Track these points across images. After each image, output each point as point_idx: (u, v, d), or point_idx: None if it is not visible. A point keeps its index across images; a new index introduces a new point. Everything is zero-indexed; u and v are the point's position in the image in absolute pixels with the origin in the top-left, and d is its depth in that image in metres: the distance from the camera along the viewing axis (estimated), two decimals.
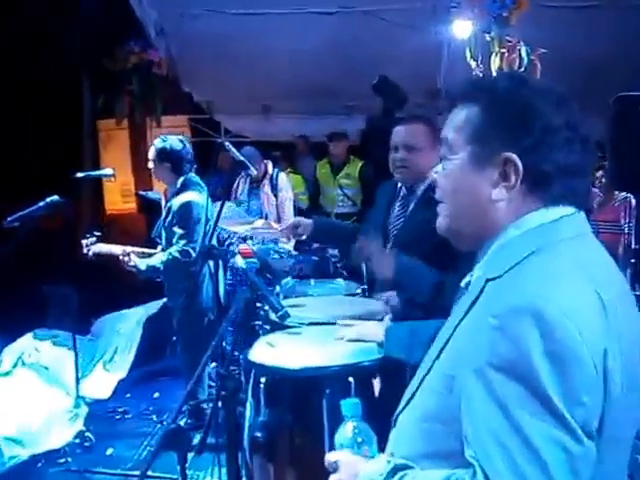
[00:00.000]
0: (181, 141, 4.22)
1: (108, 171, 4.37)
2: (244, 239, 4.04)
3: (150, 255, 4.11)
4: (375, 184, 3.45)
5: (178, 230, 4.06)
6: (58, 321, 5.52)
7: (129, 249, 4.04)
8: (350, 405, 1.38)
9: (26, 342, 5.18)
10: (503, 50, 4.21)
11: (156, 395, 5.15)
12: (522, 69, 4.09)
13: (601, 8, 6.37)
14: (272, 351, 2.28)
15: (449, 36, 6.22)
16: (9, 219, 3.53)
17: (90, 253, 4.10)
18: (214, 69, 7.74)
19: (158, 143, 4.19)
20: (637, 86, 3.47)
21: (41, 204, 3.71)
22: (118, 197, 8.23)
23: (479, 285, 1.26)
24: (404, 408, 1.38)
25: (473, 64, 4.54)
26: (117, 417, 4.86)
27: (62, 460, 4.10)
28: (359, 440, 1.35)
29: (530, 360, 1.10)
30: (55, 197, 3.74)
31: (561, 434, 1.09)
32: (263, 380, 2.15)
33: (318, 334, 2.47)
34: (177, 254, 4.02)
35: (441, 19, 6.35)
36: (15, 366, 4.92)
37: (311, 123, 8.60)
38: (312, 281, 3.66)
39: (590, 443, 1.12)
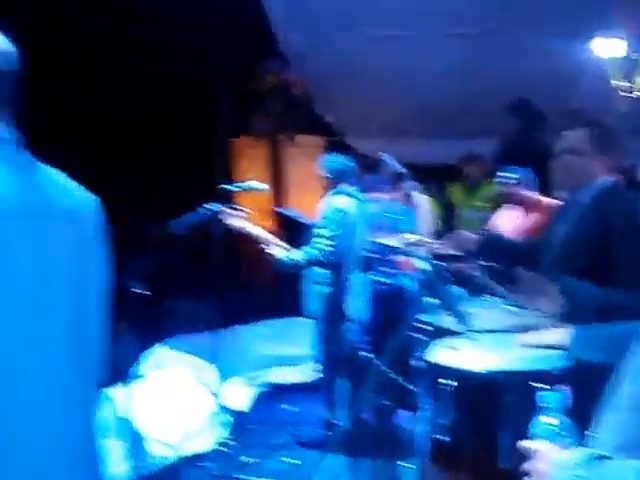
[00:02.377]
0: (344, 158, 4.52)
1: (258, 184, 4.43)
2: (401, 251, 4.03)
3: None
4: None
5: (319, 230, 4.17)
6: (195, 330, 5.67)
7: (270, 236, 4.20)
8: (552, 397, 1.39)
9: (165, 350, 5.36)
10: None
11: (292, 407, 5.19)
12: None
13: None
14: (457, 354, 2.26)
15: (588, 55, 6.07)
16: (172, 224, 3.65)
17: (226, 221, 4.10)
18: (347, 90, 7.85)
19: (327, 159, 4.49)
20: None
21: (202, 211, 3.83)
22: (254, 214, 8.37)
23: None
24: (605, 403, 1.38)
25: (619, 83, 4.41)
26: (254, 426, 4.94)
27: (204, 464, 4.21)
28: (559, 432, 1.37)
29: None
30: (216, 205, 3.87)
31: None
32: (446, 382, 2.14)
33: (497, 340, 2.44)
34: (313, 251, 4.11)
35: (580, 38, 6.22)
36: (153, 372, 5.08)
37: (442, 145, 8.55)
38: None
39: None
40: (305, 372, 5.41)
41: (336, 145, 8.88)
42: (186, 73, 7.37)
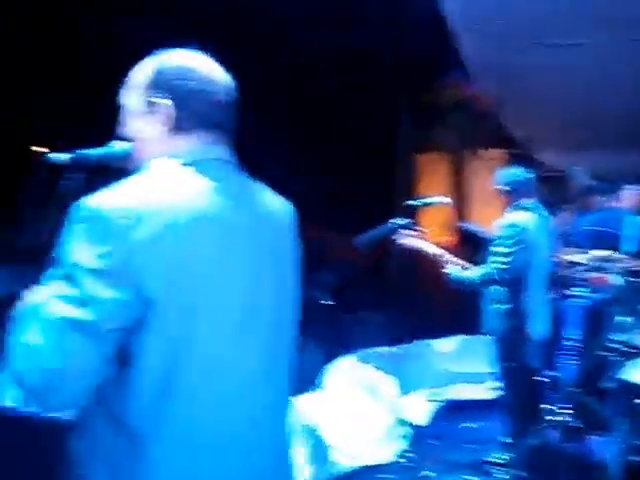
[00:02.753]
0: (523, 171, 4.37)
1: (443, 199, 4.44)
2: (591, 268, 3.90)
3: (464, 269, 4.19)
4: None
5: (494, 247, 4.10)
6: (378, 343, 5.74)
7: (446, 254, 4.17)
8: None
9: (348, 362, 5.46)
10: None
11: (472, 424, 5.13)
12: None
13: None
14: None
15: None
16: (357, 239, 3.74)
17: (401, 241, 4.10)
18: (530, 102, 7.66)
19: (504, 172, 4.39)
20: None
21: (386, 226, 3.90)
22: (436, 229, 8.38)
23: None
24: None
25: None
26: (433, 442, 4.92)
27: (384, 476, 4.25)
28: None
29: None
30: (400, 220, 3.93)
31: None
32: None
33: None
34: (488, 269, 4.04)
35: None
36: (337, 383, 5.20)
37: (630, 155, 8.15)
38: None
39: None
40: (486, 390, 5.32)
41: (520, 158, 8.70)
42: (370, 89, 7.53)
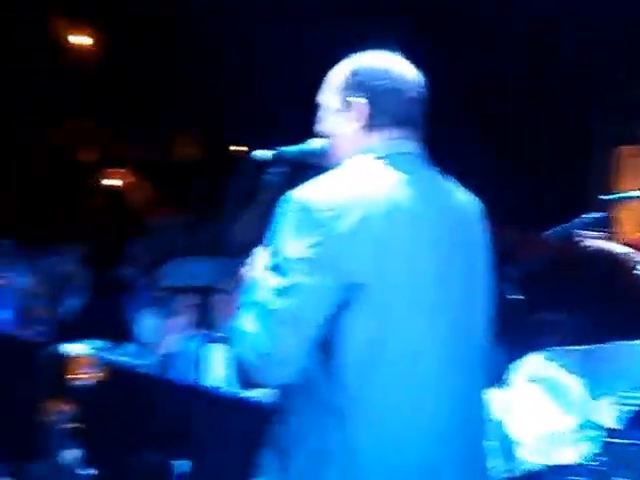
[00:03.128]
0: None
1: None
2: None
3: None
4: None
5: None
6: (568, 343, 5.57)
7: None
8: None
9: (536, 359, 5.35)
10: None
11: None
12: None
13: None
14: None
15: None
16: (547, 233, 3.70)
17: (582, 243, 3.92)
18: None
19: None
20: None
21: (578, 221, 3.82)
22: (632, 225, 7.97)
23: None
24: None
25: None
26: (625, 447, 4.72)
27: (573, 478, 4.15)
28: None
29: None
30: (592, 214, 3.83)
31: None
32: None
33: None
34: None
35: None
36: (523, 380, 5.12)
37: None
38: None
39: None
40: None
41: None
42: (565, 83, 7.34)
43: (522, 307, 5.46)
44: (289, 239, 1.92)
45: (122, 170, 19.98)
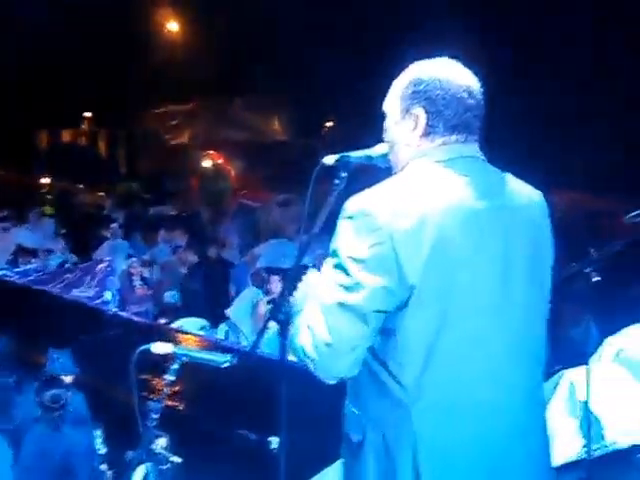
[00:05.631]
0: None
1: None
2: None
3: None
4: None
5: None
6: None
7: None
8: None
9: (622, 339, 5.27)
10: None
11: None
12: None
13: None
14: None
15: None
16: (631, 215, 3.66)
17: None
18: None
19: None
20: None
21: None
22: None
23: None
24: None
25: None
26: None
27: None
28: None
29: None
30: None
31: None
32: None
33: None
34: None
35: None
36: (610, 359, 5.06)
37: None
38: None
39: None
40: None
41: None
42: None
43: (610, 284, 5.38)
44: (350, 241, 2.03)
45: (215, 152, 20.19)
